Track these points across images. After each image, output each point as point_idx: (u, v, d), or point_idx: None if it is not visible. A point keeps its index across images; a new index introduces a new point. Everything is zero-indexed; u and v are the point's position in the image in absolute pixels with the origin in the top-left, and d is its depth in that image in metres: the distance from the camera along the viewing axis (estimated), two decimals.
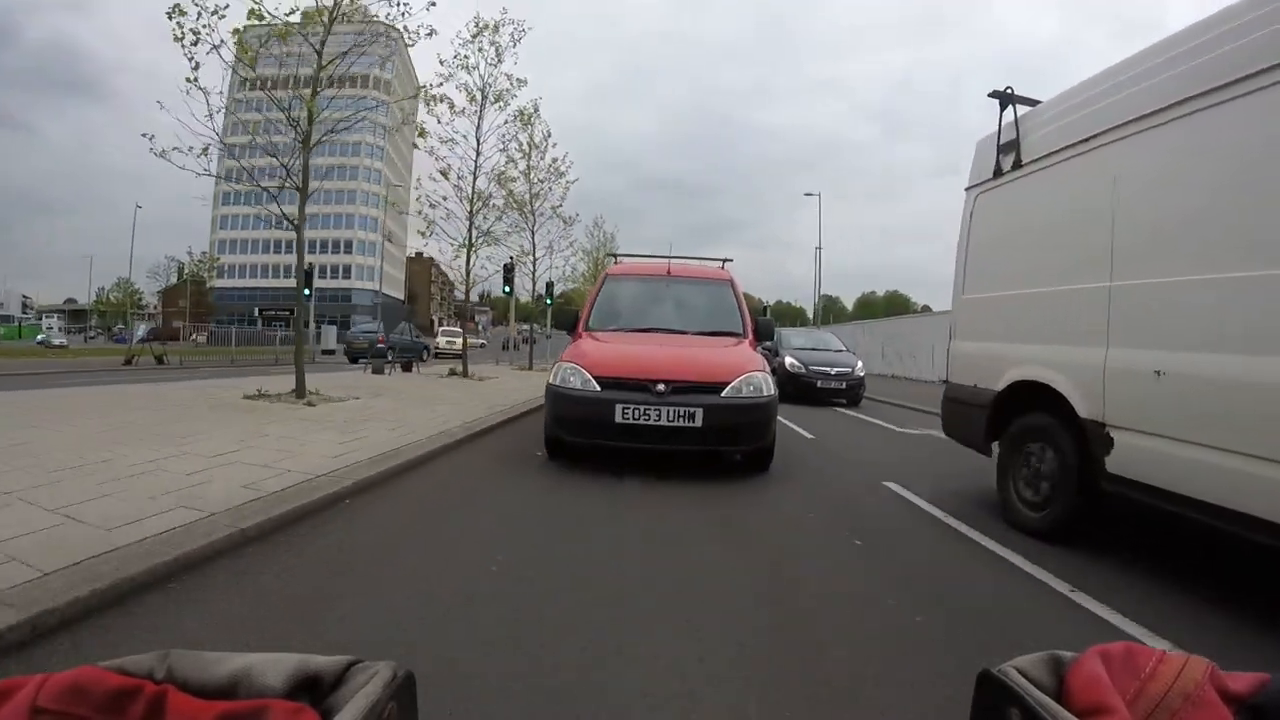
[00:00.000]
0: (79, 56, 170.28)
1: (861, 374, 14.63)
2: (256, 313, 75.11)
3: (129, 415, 7.69)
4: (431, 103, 13.31)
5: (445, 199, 15.42)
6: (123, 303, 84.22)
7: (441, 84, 13.88)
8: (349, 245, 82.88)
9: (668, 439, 5.64)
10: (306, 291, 29.83)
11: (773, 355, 13.90)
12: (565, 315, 8.13)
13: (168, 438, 6.30)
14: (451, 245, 15.76)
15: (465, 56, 14.82)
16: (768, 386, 5.99)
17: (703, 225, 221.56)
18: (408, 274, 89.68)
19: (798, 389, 13.75)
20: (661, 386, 5.65)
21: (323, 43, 9.74)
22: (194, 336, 67.38)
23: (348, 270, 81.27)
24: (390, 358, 21.79)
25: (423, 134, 13.59)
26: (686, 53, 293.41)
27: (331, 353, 38.34)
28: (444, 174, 14.99)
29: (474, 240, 15.61)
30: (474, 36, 14.96)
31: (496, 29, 15.09)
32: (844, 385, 14.17)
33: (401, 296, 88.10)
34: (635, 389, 5.68)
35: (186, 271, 78.02)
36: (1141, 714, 0.42)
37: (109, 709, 0.38)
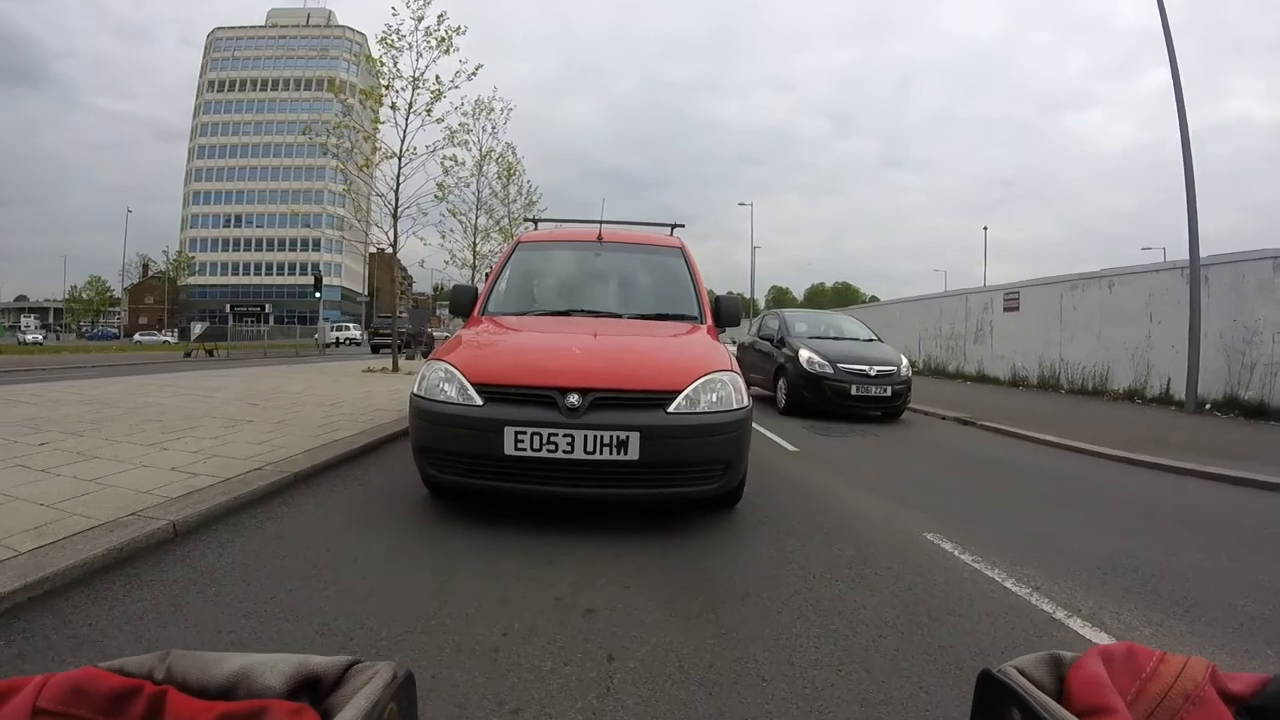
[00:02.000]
0: (19, 43, 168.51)
1: (908, 375, 10.33)
2: (229, 309, 76.68)
3: (309, 375, 14.11)
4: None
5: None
6: (94, 301, 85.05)
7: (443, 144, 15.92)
8: (316, 244, 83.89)
9: (586, 479, 3.62)
10: (317, 294, 32.14)
11: (776, 346, 11.31)
12: (462, 296, 5.40)
13: (339, 386, 11.30)
14: (380, 208, 16.39)
15: (467, 127, 17.13)
16: (739, 393, 3.96)
17: (653, 217, 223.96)
18: (370, 270, 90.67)
19: (821, 396, 9.84)
20: (574, 398, 3.62)
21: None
22: (164, 335, 68.62)
23: (315, 267, 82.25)
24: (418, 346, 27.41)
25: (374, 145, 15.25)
26: (635, 47, 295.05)
27: (334, 345, 41.38)
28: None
29: (398, 207, 15.93)
30: (474, 114, 17.93)
31: (490, 109, 18.77)
32: (888, 391, 9.88)
33: (364, 290, 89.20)
34: (536, 402, 3.67)
35: (158, 270, 78.60)
36: (1142, 714, 0.43)
37: (109, 709, 0.38)
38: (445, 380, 3.87)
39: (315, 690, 0.41)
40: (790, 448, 7.25)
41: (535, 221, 8.28)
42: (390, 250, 16.29)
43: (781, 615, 2.77)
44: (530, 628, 2.54)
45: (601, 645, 2.42)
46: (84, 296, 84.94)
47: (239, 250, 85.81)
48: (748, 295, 53.77)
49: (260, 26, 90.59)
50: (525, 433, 3.58)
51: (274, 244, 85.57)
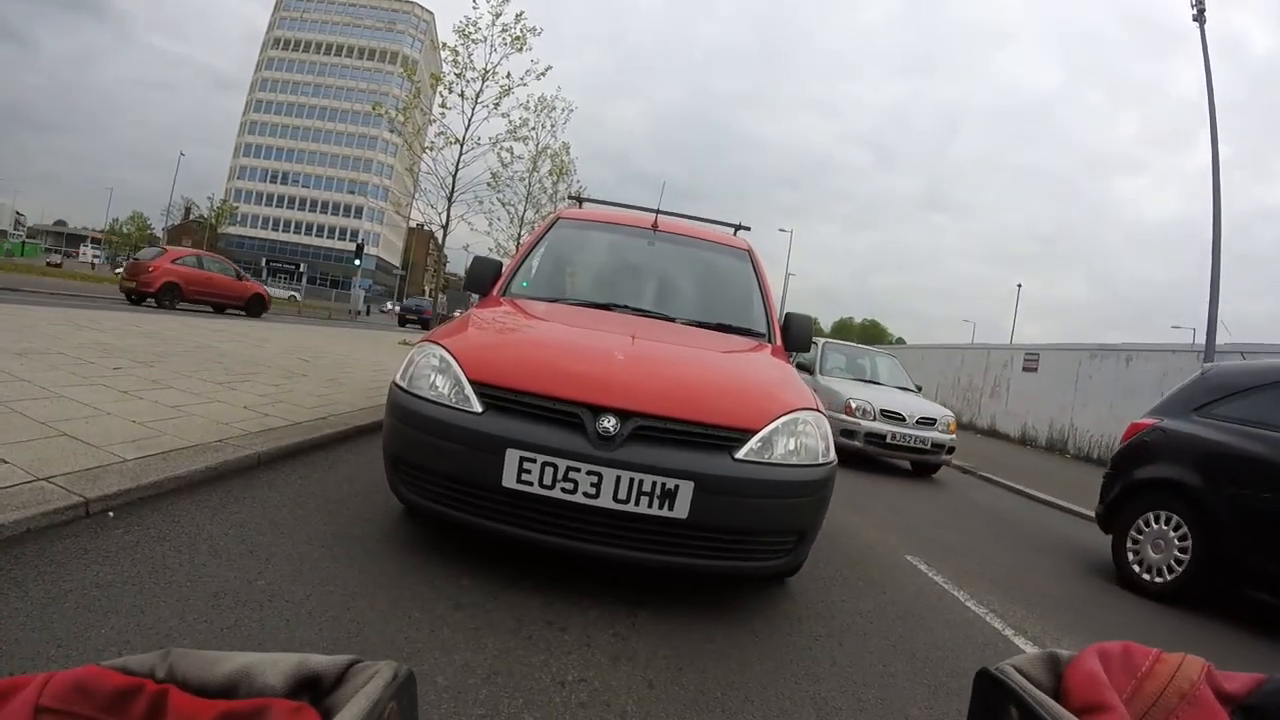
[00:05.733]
0: None
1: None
2: (264, 263, 78.03)
3: (350, 340, 15.07)
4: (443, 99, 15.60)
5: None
6: (133, 236, 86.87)
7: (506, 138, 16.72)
8: (359, 211, 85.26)
9: (612, 536, 2.65)
10: (357, 261, 33.23)
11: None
12: (481, 270, 4.45)
13: (378, 352, 12.46)
14: (436, 189, 16.79)
15: (528, 123, 17.78)
16: (826, 443, 3.02)
17: None
18: (408, 244, 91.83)
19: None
20: (611, 422, 2.64)
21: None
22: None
23: (354, 233, 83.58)
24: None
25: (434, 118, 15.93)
26: (684, 55, 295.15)
27: (360, 313, 42.24)
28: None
29: (453, 191, 16.66)
30: (537, 110, 18.52)
31: (553, 108, 19.34)
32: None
33: (398, 264, 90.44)
34: (554, 419, 2.69)
35: (199, 215, 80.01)
36: (1138, 712, 0.43)
37: (111, 708, 0.39)
38: (438, 371, 2.88)
39: (316, 689, 0.41)
40: None
41: (580, 200, 6.65)
42: (435, 229, 16.92)
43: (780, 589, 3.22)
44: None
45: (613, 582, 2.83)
46: (124, 230, 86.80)
47: (281, 207, 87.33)
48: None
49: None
50: (535, 461, 2.57)
51: (316, 205, 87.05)
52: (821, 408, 3.14)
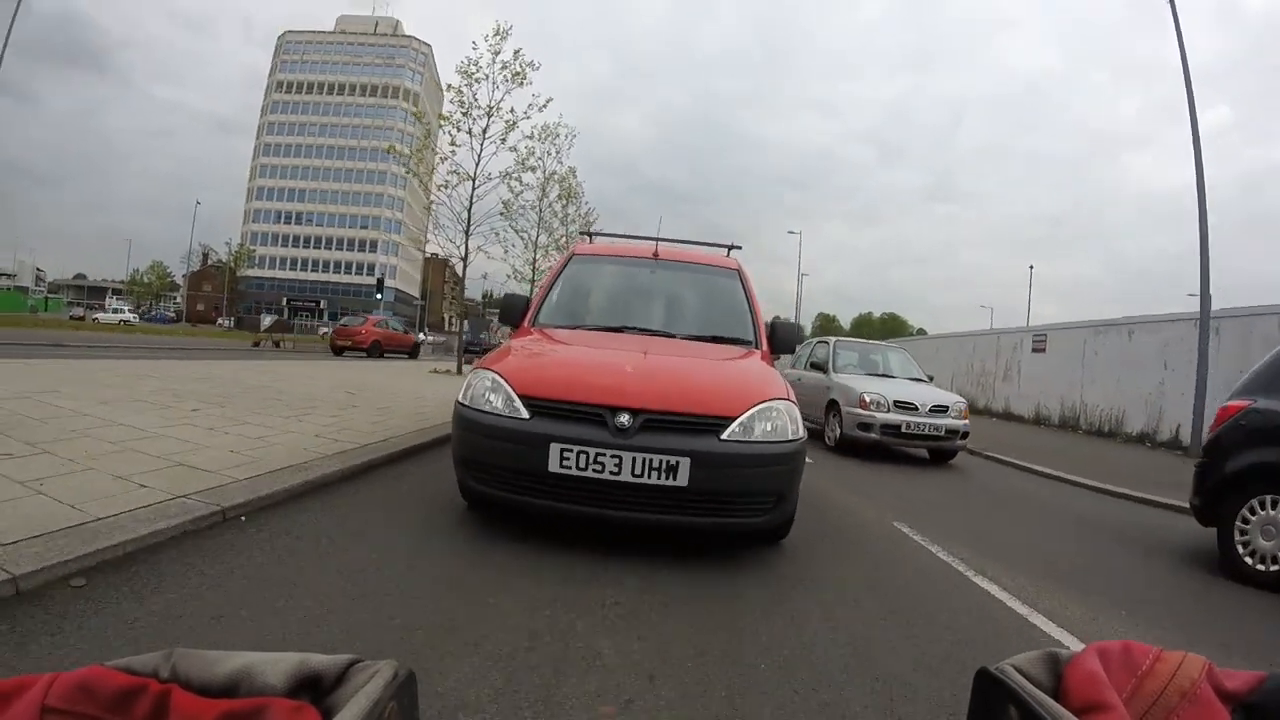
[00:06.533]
0: (84, 27, 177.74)
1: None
2: (285, 303, 79.75)
3: (384, 371, 15.99)
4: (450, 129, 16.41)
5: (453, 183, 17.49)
6: (155, 285, 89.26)
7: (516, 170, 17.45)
8: (373, 245, 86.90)
9: (632, 503, 3.53)
10: (379, 295, 34.35)
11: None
12: (512, 305, 5.43)
13: (413, 381, 13.25)
14: (453, 223, 17.60)
15: (533, 151, 18.42)
16: (795, 424, 3.86)
17: (698, 233, 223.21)
18: (425, 273, 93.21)
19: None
20: (625, 418, 3.54)
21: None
22: (220, 321, 72.01)
23: (371, 267, 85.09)
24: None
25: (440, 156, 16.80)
26: (684, 59, 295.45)
27: None
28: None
29: (470, 225, 17.44)
30: (540, 137, 19.01)
31: (556, 135, 19.82)
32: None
33: (417, 294, 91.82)
34: (584, 419, 3.59)
35: (217, 260, 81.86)
36: (1138, 711, 0.43)
37: (115, 708, 0.39)
38: (492, 390, 3.73)
39: (316, 689, 0.42)
40: (807, 460, 8.32)
41: (590, 235, 7.98)
42: (455, 261, 17.73)
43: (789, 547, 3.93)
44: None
45: (634, 567, 3.58)
46: (145, 280, 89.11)
47: (297, 246, 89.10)
48: (797, 321, 54.56)
49: (329, 32, 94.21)
50: (572, 450, 3.44)
51: (332, 243, 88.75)
52: (793, 398, 3.97)
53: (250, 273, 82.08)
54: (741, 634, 2.77)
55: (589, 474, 3.41)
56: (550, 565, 3.34)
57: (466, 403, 3.75)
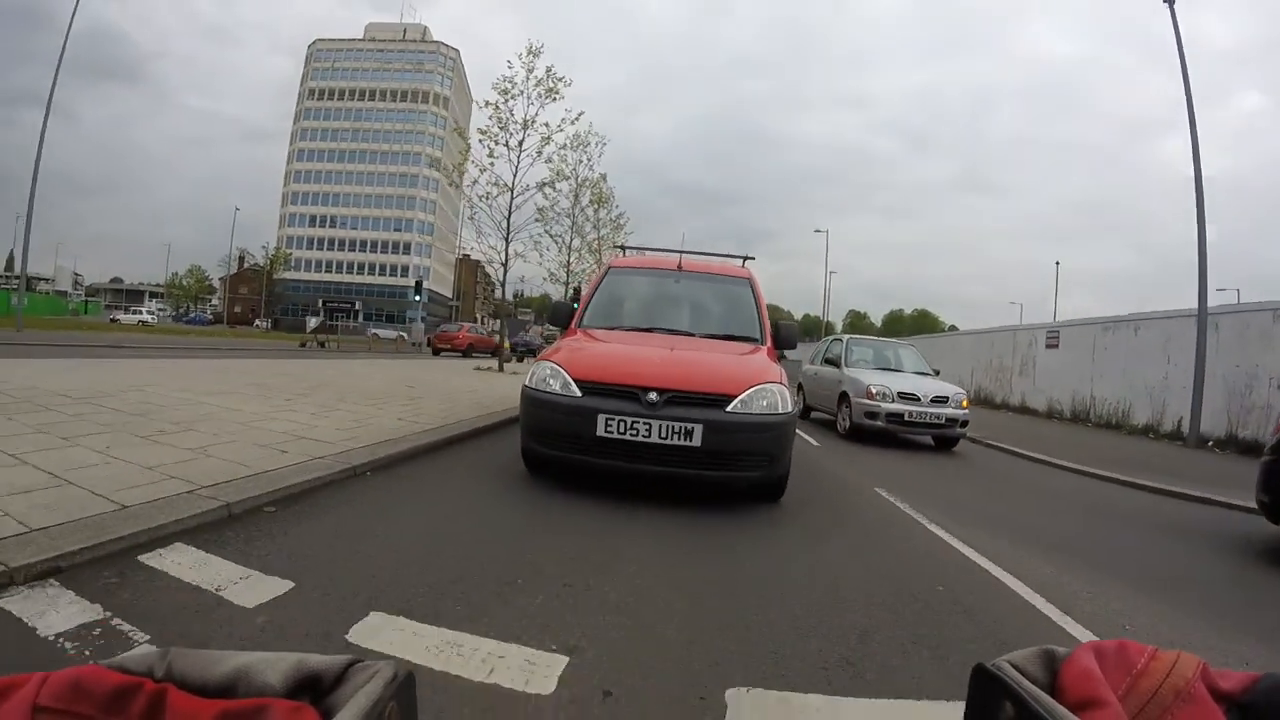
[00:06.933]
0: (117, 42, 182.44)
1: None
2: (321, 304, 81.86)
3: (433, 369, 17.46)
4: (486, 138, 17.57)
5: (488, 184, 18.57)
6: (192, 288, 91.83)
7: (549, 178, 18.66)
8: (406, 247, 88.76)
9: (658, 459, 4.57)
10: (417, 297, 35.88)
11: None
12: (561, 310, 6.65)
13: (464, 378, 13.97)
14: (493, 232, 18.87)
15: (565, 159, 19.59)
16: (784, 402, 4.90)
17: (728, 233, 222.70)
18: (457, 274, 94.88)
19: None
20: (654, 396, 4.60)
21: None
22: (258, 323, 74.27)
23: (405, 269, 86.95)
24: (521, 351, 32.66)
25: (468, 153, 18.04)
26: (708, 60, 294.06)
27: (421, 345, 45.07)
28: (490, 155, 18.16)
29: (509, 232, 18.58)
30: (572, 146, 20.03)
31: (587, 144, 20.71)
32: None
33: (450, 294, 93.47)
34: (623, 397, 4.65)
35: (253, 263, 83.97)
36: (1133, 709, 0.43)
37: (109, 707, 0.39)
38: (551, 376, 4.84)
39: (315, 689, 0.42)
40: (815, 442, 9.49)
41: (624, 249, 9.43)
42: (496, 267, 18.82)
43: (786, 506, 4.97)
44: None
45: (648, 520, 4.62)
46: (184, 284, 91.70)
47: (331, 249, 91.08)
48: (825, 318, 55.57)
49: (358, 40, 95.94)
50: (614, 419, 4.52)
51: (366, 245, 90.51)
52: (786, 382, 5.08)
53: (287, 275, 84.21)
54: (739, 558, 3.80)
55: (626, 437, 4.51)
56: (591, 511, 4.43)
57: (533, 386, 4.87)
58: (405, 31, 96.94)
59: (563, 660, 2.25)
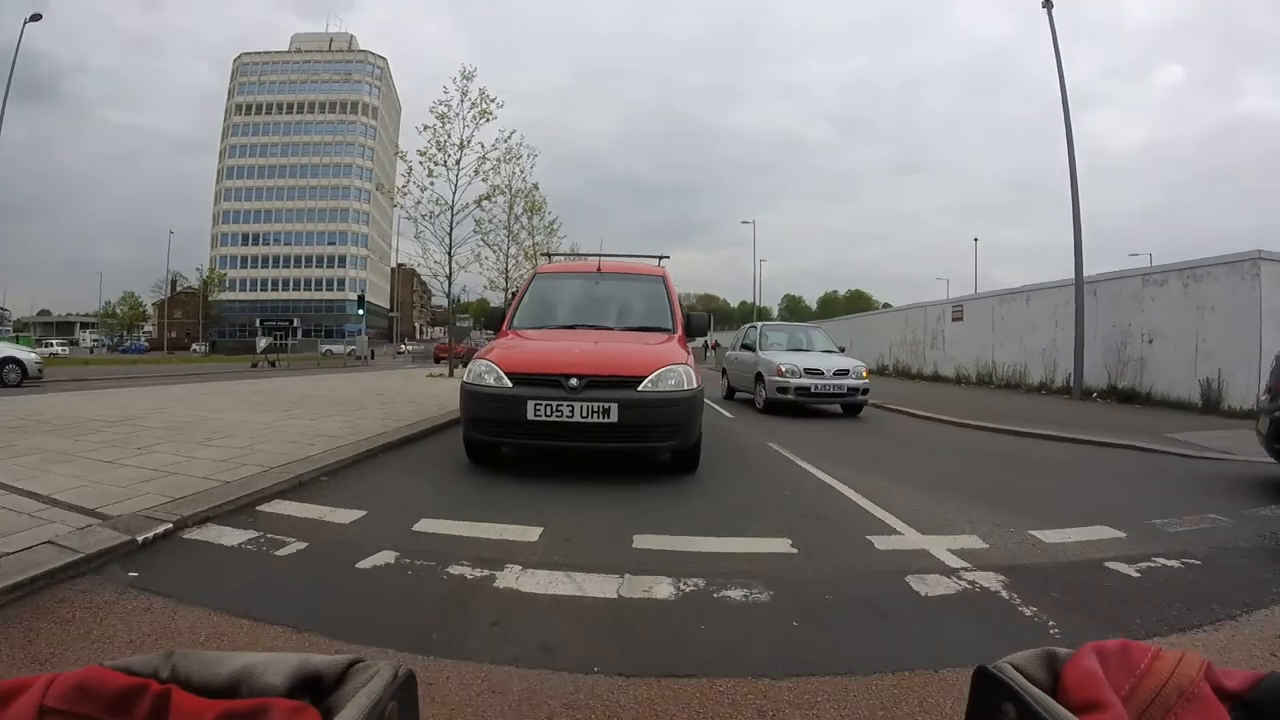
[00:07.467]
0: (33, 59, 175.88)
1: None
2: (258, 323, 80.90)
3: (389, 378, 18.58)
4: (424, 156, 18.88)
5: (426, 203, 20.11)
6: (126, 316, 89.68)
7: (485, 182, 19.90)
8: (342, 260, 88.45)
9: (583, 436, 5.24)
10: (360, 310, 36.66)
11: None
12: (494, 315, 7.34)
13: (422, 384, 15.61)
14: (437, 247, 20.62)
15: (495, 165, 20.71)
16: (689, 380, 5.52)
17: (666, 225, 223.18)
18: (393, 284, 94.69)
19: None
20: (574, 381, 5.22)
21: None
22: (195, 347, 73.33)
23: (341, 283, 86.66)
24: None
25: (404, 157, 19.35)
26: (645, 54, 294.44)
27: (365, 358, 45.93)
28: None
29: (452, 247, 20.50)
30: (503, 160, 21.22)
31: (519, 157, 22.24)
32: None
33: (387, 305, 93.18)
34: (548, 384, 5.28)
35: (187, 286, 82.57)
36: (1136, 710, 0.43)
37: (115, 708, 0.40)
38: (486, 371, 5.48)
39: (317, 689, 0.43)
40: (729, 415, 11.24)
41: (549, 255, 11.10)
42: (440, 279, 20.26)
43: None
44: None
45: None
46: (117, 311, 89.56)
47: (265, 267, 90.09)
48: (757, 303, 57.62)
49: (285, 52, 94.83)
50: (541, 404, 5.14)
51: (300, 260, 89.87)
52: (693, 364, 5.81)
53: (222, 296, 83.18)
54: (648, 486, 5.37)
55: (552, 419, 5.15)
56: (544, 468, 5.77)
57: (470, 381, 5.56)
58: (331, 41, 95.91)
59: (539, 528, 3.84)
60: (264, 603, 2.83)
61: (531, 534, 3.77)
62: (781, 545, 3.75)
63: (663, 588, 3.06)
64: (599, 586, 3.05)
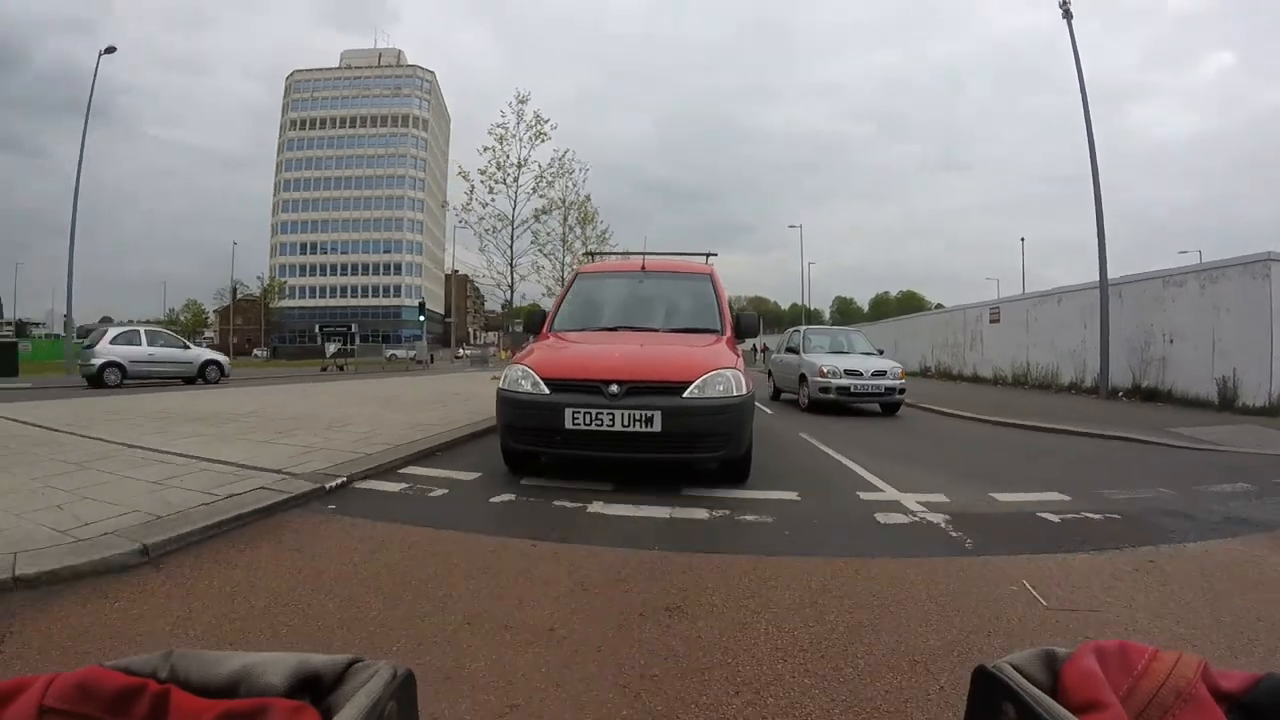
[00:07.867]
0: (85, 78, 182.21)
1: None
2: (318, 329, 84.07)
3: (456, 381, 19.93)
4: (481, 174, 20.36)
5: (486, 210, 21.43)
6: (189, 323, 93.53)
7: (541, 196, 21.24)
8: (398, 268, 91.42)
9: (623, 446, 4.95)
10: (421, 317, 38.73)
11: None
12: (535, 318, 7.29)
13: (482, 385, 16.17)
14: (500, 259, 21.71)
15: (550, 182, 21.98)
16: (739, 385, 5.14)
17: (709, 228, 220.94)
18: (447, 291, 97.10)
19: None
20: (615, 388, 4.93)
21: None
22: (256, 352, 76.55)
23: (397, 289, 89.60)
24: None
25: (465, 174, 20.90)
26: (677, 57, 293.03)
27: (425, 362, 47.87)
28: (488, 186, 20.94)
29: (514, 259, 21.68)
30: (557, 175, 22.47)
31: (571, 171, 23.09)
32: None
33: (442, 311, 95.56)
34: (586, 391, 5.01)
35: (247, 294, 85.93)
36: (1135, 710, 0.43)
37: (114, 708, 0.39)
38: (522, 377, 5.24)
39: (316, 689, 0.43)
40: (769, 412, 12.36)
41: (592, 255, 11.15)
42: (504, 290, 21.75)
43: None
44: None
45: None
46: (181, 319, 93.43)
47: (323, 275, 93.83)
48: (806, 306, 58.16)
49: (335, 69, 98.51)
50: (580, 412, 4.86)
51: (358, 268, 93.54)
52: (742, 368, 5.40)
53: (282, 304, 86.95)
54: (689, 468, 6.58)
55: (592, 427, 4.87)
56: (569, 487, 5.41)
57: (506, 387, 5.33)
58: (380, 57, 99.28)
59: (611, 484, 5.17)
60: (434, 518, 4.24)
61: (606, 486, 5.12)
62: (790, 495, 5.05)
63: (700, 513, 4.45)
64: (656, 512, 4.43)
